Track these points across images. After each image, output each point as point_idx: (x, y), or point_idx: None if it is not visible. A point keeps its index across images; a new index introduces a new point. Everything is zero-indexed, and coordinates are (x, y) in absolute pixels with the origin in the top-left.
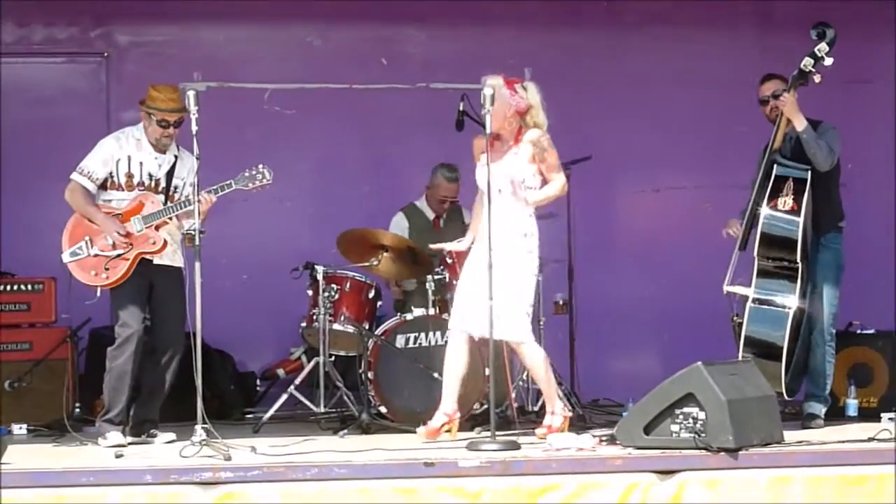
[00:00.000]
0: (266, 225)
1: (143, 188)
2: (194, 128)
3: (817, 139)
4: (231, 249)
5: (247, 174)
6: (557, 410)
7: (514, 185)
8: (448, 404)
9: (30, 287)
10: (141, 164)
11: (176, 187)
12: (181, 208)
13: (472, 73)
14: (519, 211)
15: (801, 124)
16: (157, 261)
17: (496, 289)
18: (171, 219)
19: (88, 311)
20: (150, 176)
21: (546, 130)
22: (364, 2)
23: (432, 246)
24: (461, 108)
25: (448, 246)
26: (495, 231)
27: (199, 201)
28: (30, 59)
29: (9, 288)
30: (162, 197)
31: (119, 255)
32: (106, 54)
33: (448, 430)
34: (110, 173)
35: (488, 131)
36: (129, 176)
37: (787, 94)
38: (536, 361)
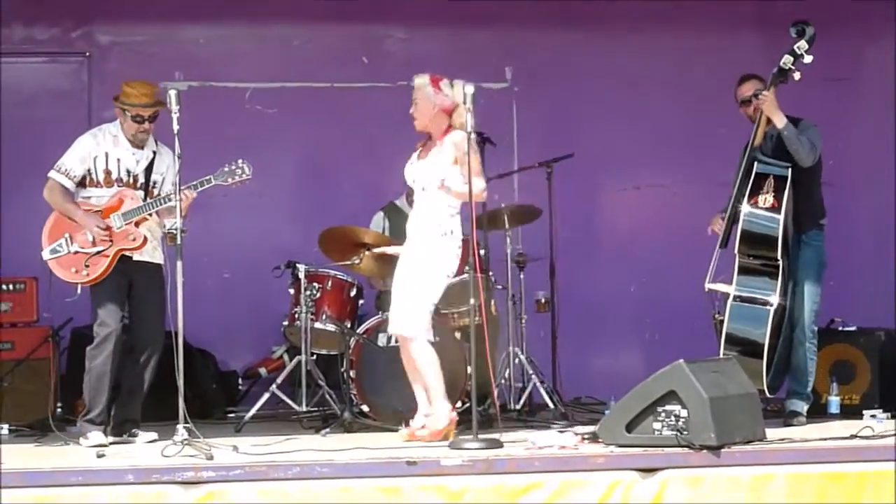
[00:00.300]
0: (248, 223)
1: (121, 184)
2: (176, 127)
3: (799, 135)
4: (212, 248)
5: (226, 169)
6: (441, 413)
7: (437, 184)
8: (423, 406)
9: (11, 287)
10: (118, 160)
11: (155, 183)
12: (161, 204)
13: (452, 71)
14: (441, 210)
15: (781, 122)
16: (136, 257)
17: (407, 284)
18: (150, 215)
19: (70, 311)
20: (129, 172)
21: (471, 132)
22: (345, 1)
23: (376, 250)
24: None
25: (390, 249)
26: (418, 228)
27: (180, 199)
28: (11, 58)
29: None
30: (141, 193)
31: (99, 252)
32: (87, 54)
33: (445, 437)
34: (88, 170)
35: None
36: (108, 172)
37: (766, 91)
38: (424, 360)
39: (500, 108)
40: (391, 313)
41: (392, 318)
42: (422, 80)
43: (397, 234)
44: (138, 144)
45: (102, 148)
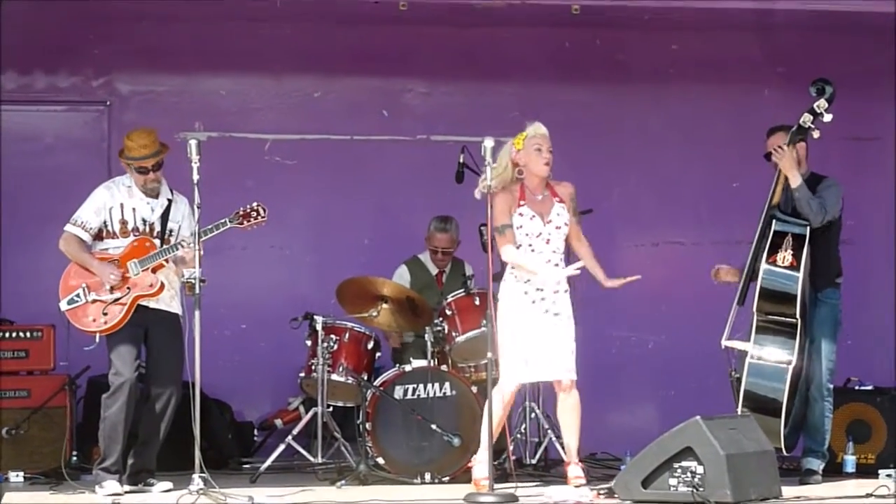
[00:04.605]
0: (265, 274)
1: (138, 234)
2: (195, 177)
3: (810, 199)
4: (230, 299)
5: (241, 212)
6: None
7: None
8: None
9: (29, 334)
10: (134, 209)
11: (171, 231)
12: (175, 250)
13: (472, 125)
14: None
15: (795, 181)
16: (153, 305)
17: (558, 332)
18: (167, 261)
19: (87, 360)
20: (145, 221)
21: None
22: (365, 54)
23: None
24: (461, 161)
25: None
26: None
27: (198, 249)
28: (31, 106)
29: (8, 335)
30: (158, 241)
31: (117, 300)
32: (108, 103)
33: None
34: (104, 222)
35: (489, 182)
36: (123, 223)
37: (784, 148)
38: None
39: None
40: (539, 360)
41: (551, 364)
42: (491, 142)
43: (418, 288)
44: (151, 194)
45: (117, 199)
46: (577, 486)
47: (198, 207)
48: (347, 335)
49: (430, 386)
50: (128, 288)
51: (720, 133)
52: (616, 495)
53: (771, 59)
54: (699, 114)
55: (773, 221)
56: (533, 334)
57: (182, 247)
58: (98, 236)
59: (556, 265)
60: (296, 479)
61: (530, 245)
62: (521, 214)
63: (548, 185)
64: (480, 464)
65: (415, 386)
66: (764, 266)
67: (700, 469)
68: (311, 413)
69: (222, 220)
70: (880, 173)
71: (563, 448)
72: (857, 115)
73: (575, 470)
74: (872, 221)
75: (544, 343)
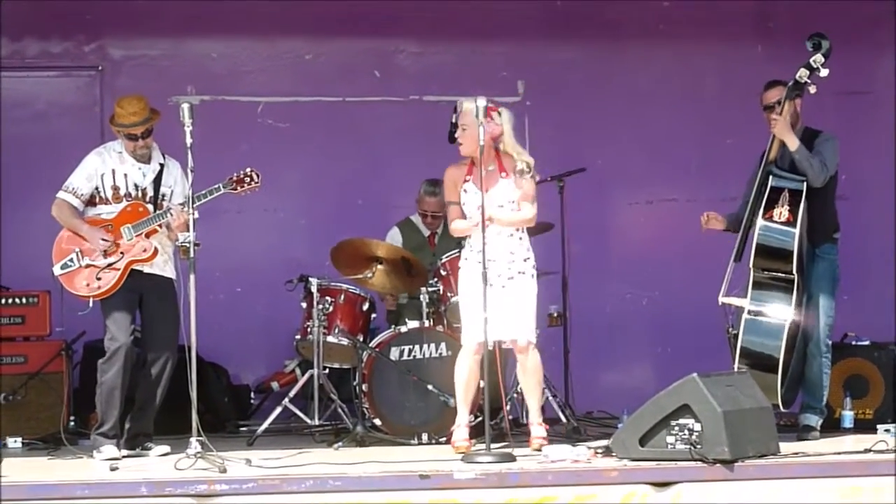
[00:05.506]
0: (260, 237)
1: (130, 199)
2: (188, 140)
3: (810, 157)
4: (225, 262)
5: (234, 178)
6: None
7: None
8: (464, 418)
9: (24, 300)
10: (126, 175)
11: (164, 195)
12: (166, 217)
13: (464, 86)
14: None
15: (793, 144)
16: (147, 270)
17: (511, 295)
18: (160, 227)
19: (83, 325)
20: (137, 186)
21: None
22: (356, 15)
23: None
24: (454, 121)
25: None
26: (502, 248)
27: (192, 213)
28: (24, 72)
29: (4, 301)
30: (151, 206)
31: (110, 265)
32: (100, 68)
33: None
34: (96, 188)
35: (481, 142)
36: (115, 189)
37: (778, 116)
38: (538, 366)
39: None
40: (493, 322)
41: (503, 325)
42: (471, 106)
43: (411, 249)
44: (142, 159)
45: (109, 165)
46: (536, 449)
47: (191, 171)
48: (343, 297)
49: (425, 346)
50: (121, 253)
51: (713, 90)
52: (613, 454)
53: (763, 14)
54: (691, 71)
55: (770, 177)
56: (490, 297)
57: (171, 215)
58: (90, 202)
59: (511, 236)
60: (293, 441)
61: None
62: (465, 191)
63: (497, 158)
64: (458, 427)
65: (410, 347)
66: (760, 222)
67: (697, 426)
68: (307, 375)
69: (216, 186)
70: (875, 128)
71: (558, 408)
72: (850, 69)
73: (537, 430)
74: (867, 176)
75: (500, 305)
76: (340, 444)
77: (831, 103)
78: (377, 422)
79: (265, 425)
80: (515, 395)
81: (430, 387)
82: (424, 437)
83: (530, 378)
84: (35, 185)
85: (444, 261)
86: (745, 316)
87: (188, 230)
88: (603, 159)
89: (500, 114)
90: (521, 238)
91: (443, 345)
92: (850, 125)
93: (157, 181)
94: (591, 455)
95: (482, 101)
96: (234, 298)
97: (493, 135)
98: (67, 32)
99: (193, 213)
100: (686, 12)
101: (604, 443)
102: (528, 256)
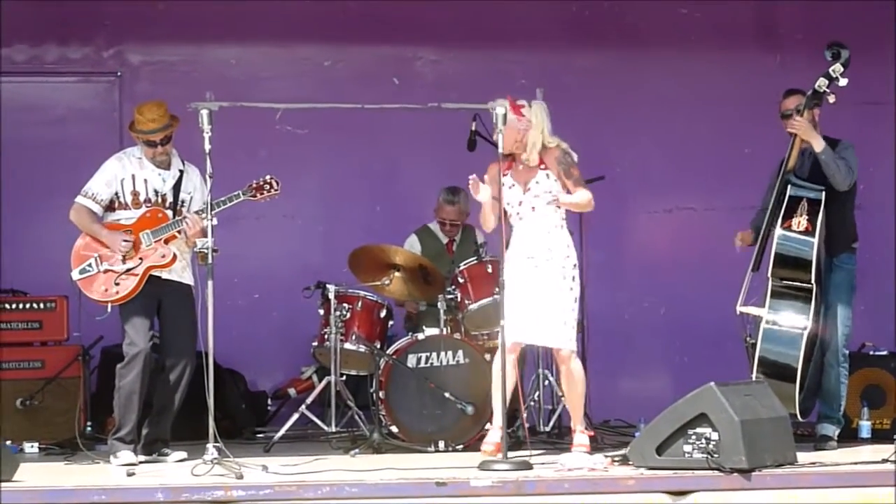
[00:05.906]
0: (277, 244)
1: (150, 205)
2: (207, 146)
3: (836, 159)
4: (243, 268)
5: (254, 185)
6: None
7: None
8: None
9: (42, 305)
10: (146, 180)
11: (183, 202)
12: (182, 224)
13: (484, 93)
14: (557, 224)
15: (819, 145)
16: (165, 276)
17: (547, 299)
18: (179, 233)
19: (100, 330)
20: (156, 192)
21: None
22: (375, 21)
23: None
24: (473, 128)
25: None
26: (539, 246)
27: (210, 220)
28: (43, 78)
29: (21, 306)
30: (170, 212)
31: (129, 270)
32: (119, 73)
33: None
34: (115, 193)
35: (500, 151)
36: (135, 194)
37: (800, 117)
38: (580, 375)
39: None
40: (528, 327)
41: (543, 331)
42: (502, 110)
43: (429, 257)
44: (162, 165)
45: (128, 170)
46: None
47: (210, 177)
48: (360, 304)
49: (443, 354)
50: (140, 259)
51: (732, 98)
52: (630, 462)
53: (781, 24)
54: (711, 79)
55: (788, 186)
56: (528, 298)
57: (186, 223)
58: (110, 207)
59: (549, 233)
60: (309, 447)
61: (517, 213)
62: (503, 185)
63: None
64: (493, 430)
65: (428, 354)
66: (779, 231)
67: (715, 435)
68: (324, 382)
69: (235, 193)
70: (890, 138)
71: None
72: (867, 80)
73: (580, 437)
74: (884, 186)
75: (539, 308)
76: (357, 450)
77: (846, 114)
78: (394, 429)
79: (282, 432)
80: (532, 403)
81: (447, 394)
82: (441, 444)
83: (575, 387)
84: (53, 190)
85: (461, 268)
86: (763, 325)
87: (205, 236)
88: (622, 167)
89: (530, 106)
90: (560, 233)
91: (460, 352)
92: (865, 135)
93: (177, 187)
94: (607, 464)
95: (501, 110)
96: (251, 305)
97: (527, 130)
98: (87, 38)
99: (212, 220)
100: (705, 20)
101: (621, 451)
102: (568, 254)
